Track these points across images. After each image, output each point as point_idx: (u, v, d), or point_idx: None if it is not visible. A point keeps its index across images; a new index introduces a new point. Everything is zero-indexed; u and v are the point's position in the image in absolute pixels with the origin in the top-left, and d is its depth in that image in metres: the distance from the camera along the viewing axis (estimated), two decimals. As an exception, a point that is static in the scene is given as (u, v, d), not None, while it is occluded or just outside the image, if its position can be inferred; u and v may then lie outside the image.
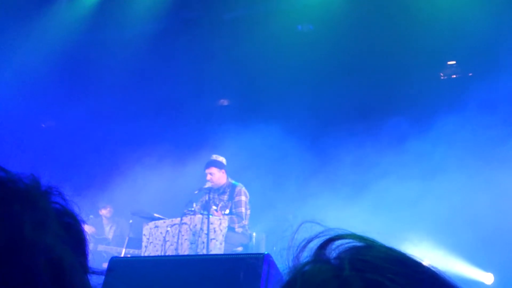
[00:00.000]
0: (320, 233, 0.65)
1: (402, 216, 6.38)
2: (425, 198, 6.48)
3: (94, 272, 0.75)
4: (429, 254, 6.31)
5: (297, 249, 0.65)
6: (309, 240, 0.64)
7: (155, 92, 8.39)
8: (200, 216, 5.85)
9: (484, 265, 6.45)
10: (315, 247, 0.64)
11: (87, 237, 0.77)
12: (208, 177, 6.34)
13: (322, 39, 7.31)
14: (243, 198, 6.35)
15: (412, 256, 0.62)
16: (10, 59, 7.99)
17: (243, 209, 6.30)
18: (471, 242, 6.10)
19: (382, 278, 0.56)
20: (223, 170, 6.43)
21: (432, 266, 0.61)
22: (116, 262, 2.58)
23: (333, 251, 0.63)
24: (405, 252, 0.62)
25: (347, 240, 0.63)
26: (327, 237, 0.64)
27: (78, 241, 0.74)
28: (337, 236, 0.64)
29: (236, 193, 6.37)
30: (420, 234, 6.30)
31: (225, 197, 6.41)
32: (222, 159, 6.48)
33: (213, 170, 6.36)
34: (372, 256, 0.60)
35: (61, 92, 8.52)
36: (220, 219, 5.96)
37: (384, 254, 0.60)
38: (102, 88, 8.30)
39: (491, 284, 6.47)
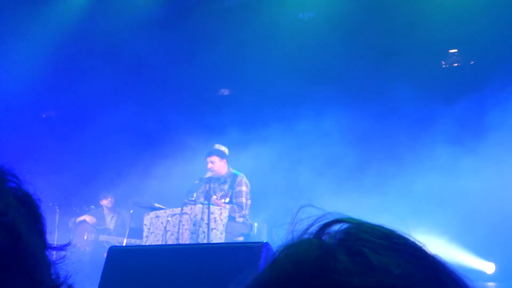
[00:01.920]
0: (318, 218, 0.66)
1: (405, 204, 6.38)
2: (427, 189, 6.47)
3: (53, 248, 0.77)
4: (430, 243, 6.29)
5: (292, 233, 0.66)
6: (309, 226, 0.66)
7: (154, 80, 8.37)
8: (200, 206, 5.84)
9: (485, 255, 6.45)
10: (313, 231, 0.65)
11: (44, 215, 0.78)
12: (209, 165, 6.34)
13: (322, 28, 7.27)
14: (244, 188, 6.35)
15: (399, 232, 0.64)
16: (10, 50, 7.96)
17: (243, 199, 6.29)
18: (473, 231, 6.10)
19: (362, 247, 0.59)
20: (224, 160, 6.43)
21: (419, 242, 0.64)
22: (115, 251, 2.57)
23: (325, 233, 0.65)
24: (393, 229, 0.64)
25: (344, 224, 0.65)
26: (325, 221, 0.65)
27: (34, 217, 0.76)
28: (335, 220, 0.65)
29: (237, 183, 6.37)
30: (422, 223, 6.30)
31: (226, 186, 6.40)
32: (224, 149, 6.48)
33: (215, 158, 6.36)
34: (357, 229, 0.62)
35: (61, 82, 8.50)
36: (220, 208, 5.95)
37: (370, 228, 0.63)
38: (102, 77, 8.27)
39: (492, 273, 6.47)
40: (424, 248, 0.63)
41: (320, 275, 0.58)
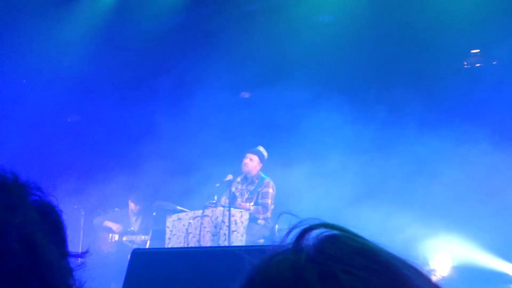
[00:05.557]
0: (294, 226, 0.67)
1: (427, 208, 6.33)
2: (450, 191, 6.42)
3: (73, 255, 0.82)
4: (454, 247, 6.26)
5: (273, 242, 0.67)
6: (287, 234, 0.67)
7: (177, 85, 8.44)
8: (221, 208, 5.90)
9: (509, 256, 6.37)
10: (292, 240, 0.66)
11: (65, 225, 0.83)
12: (246, 160, 6.46)
13: (342, 30, 7.27)
14: (270, 190, 6.41)
15: (373, 247, 0.63)
16: (36, 55, 8.13)
17: (269, 201, 6.34)
18: (496, 232, 6.03)
19: (336, 269, 0.59)
20: (260, 164, 6.53)
21: (394, 257, 0.63)
22: (138, 254, 2.62)
23: (304, 242, 0.65)
24: (367, 242, 0.64)
25: (320, 230, 0.65)
26: (300, 228, 0.66)
27: (55, 228, 0.81)
28: (309, 227, 0.66)
29: (264, 185, 6.44)
30: (446, 226, 6.25)
31: (252, 187, 6.46)
32: (265, 154, 6.60)
33: (254, 157, 6.49)
34: (331, 244, 0.63)
35: (86, 87, 8.64)
36: (241, 211, 5.99)
37: (344, 244, 0.63)
38: (125, 82, 8.38)
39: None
40: (396, 265, 0.62)
41: None
